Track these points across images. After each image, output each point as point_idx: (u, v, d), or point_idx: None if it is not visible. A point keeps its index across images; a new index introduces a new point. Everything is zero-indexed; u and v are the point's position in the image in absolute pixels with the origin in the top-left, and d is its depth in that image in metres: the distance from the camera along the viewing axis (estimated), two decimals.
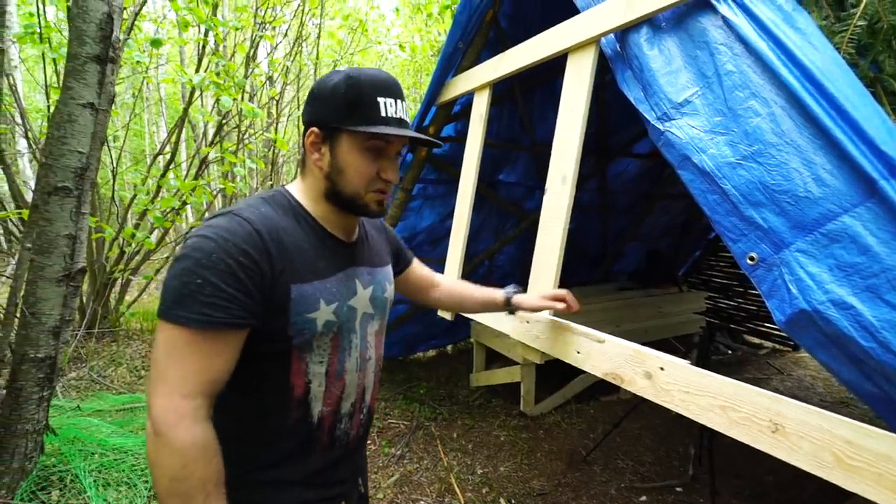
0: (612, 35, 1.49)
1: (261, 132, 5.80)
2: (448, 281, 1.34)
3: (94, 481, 2.14)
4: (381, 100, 0.78)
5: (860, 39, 1.01)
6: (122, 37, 2.04)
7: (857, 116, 0.89)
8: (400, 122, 0.81)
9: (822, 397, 3.72)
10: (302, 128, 0.87)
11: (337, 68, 0.81)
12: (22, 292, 1.95)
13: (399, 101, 0.81)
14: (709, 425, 1.07)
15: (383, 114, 0.78)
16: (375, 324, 0.94)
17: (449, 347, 4.63)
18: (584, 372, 3.51)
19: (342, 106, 0.77)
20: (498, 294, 1.34)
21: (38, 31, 3.37)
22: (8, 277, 2.17)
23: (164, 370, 0.67)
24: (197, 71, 4.28)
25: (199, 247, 0.68)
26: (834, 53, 0.96)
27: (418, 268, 1.25)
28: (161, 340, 0.68)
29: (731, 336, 5.04)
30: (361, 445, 0.98)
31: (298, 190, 0.86)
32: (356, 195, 0.82)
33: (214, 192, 4.53)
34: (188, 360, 0.67)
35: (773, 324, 4.83)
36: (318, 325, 0.78)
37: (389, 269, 1.04)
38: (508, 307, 1.35)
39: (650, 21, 1.36)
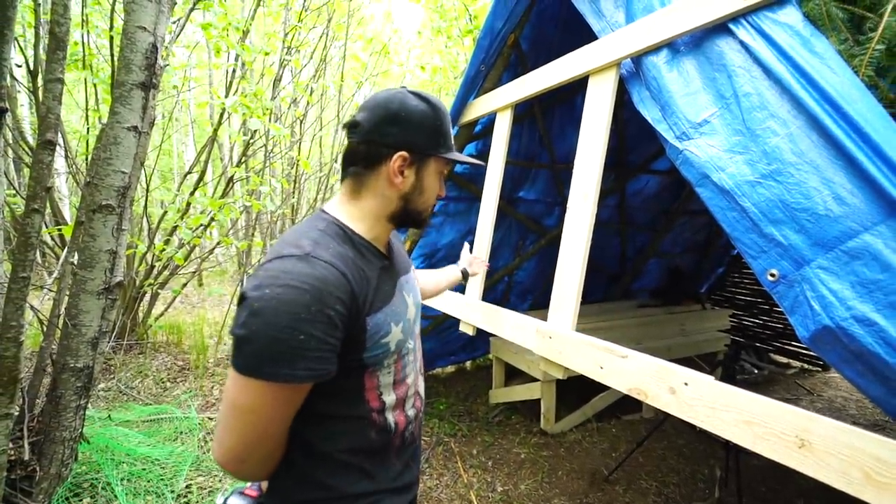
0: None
1: (286, 152, 5.99)
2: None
3: (123, 490, 2.21)
4: (451, 128, 0.90)
5: (879, 62, 1.03)
6: (162, 63, 2.17)
7: (876, 137, 0.90)
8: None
9: (855, 419, 3.60)
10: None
11: (401, 88, 0.87)
12: (64, 304, 2.06)
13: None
14: (733, 441, 1.07)
15: (452, 140, 0.90)
16: (419, 325, 1.01)
17: (468, 363, 4.63)
18: (605, 390, 3.46)
19: (437, 133, 0.86)
20: (455, 269, 1.65)
21: (83, 58, 3.58)
22: (50, 290, 2.29)
23: (243, 425, 0.69)
24: (227, 95, 4.47)
25: (294, 300, 0.65)
26: (853, 76, 0.99)
27: None
28: (243, 395, 0.67)
29: (758, 355, 4.92)
30: (418, 445, 1.00)
31: (348, 214, 0.86)
32: (424, 211, 0.92)
33: (240, 209, 4.67)
34: (270, 414, 0.69)
35: (801, 342, 4.70)
36: (392, 346, 0.83)
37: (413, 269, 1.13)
38: (465, 277, 1.68)
39: (669, 44, 1.41)
